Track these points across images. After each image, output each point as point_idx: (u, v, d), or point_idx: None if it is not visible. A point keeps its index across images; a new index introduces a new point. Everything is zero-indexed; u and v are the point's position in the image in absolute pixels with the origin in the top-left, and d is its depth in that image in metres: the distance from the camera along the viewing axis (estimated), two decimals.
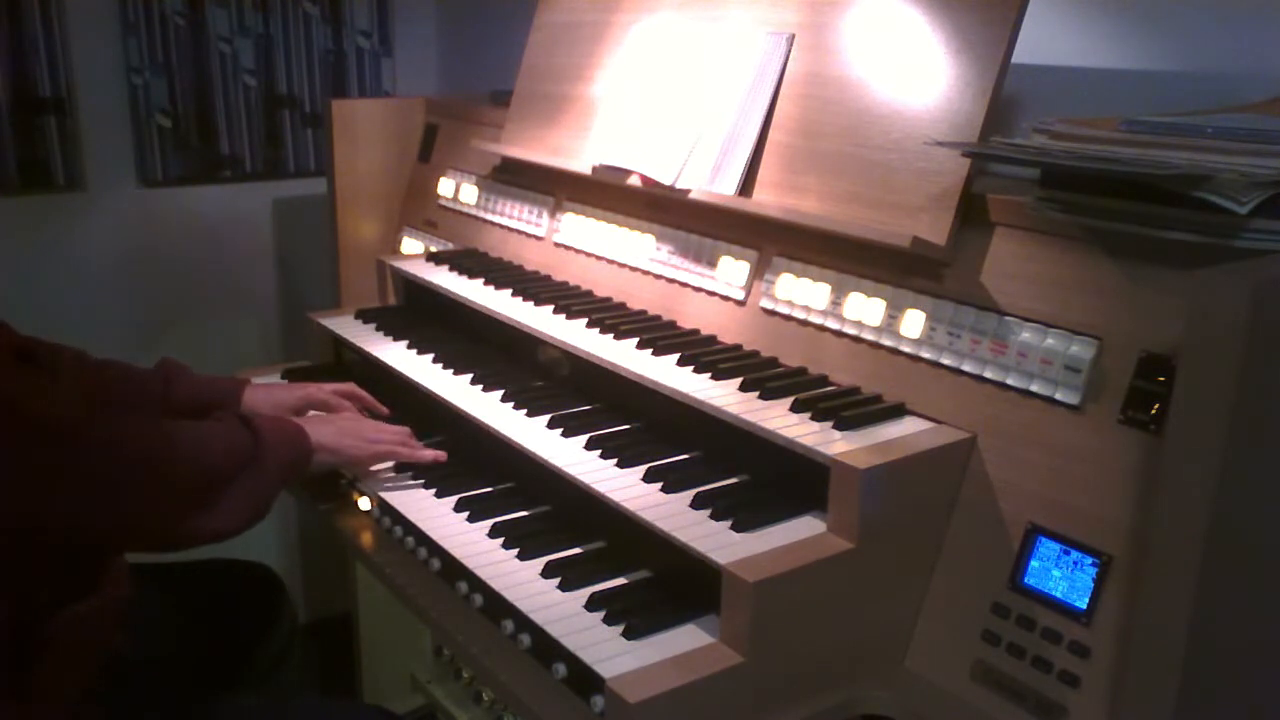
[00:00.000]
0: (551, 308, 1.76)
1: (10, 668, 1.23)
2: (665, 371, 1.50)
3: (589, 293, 1.86)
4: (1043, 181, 1.25)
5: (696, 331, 1.66)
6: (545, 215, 2.04)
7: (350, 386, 1.76)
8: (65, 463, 1.17)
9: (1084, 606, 1.18)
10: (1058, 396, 1.24)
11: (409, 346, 1.87)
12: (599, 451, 1.44)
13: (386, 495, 1.54)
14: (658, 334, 1.62)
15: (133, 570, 1.44)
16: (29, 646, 1.24)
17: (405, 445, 1.59)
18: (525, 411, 1.57)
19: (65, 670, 1.28)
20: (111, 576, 1.38)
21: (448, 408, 1.64)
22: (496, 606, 1.30)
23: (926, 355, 1.37)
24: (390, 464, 1.60)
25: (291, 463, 1.44)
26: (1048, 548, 1.22)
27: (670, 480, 1.36)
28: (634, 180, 1.75)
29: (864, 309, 1.44)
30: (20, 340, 1.28)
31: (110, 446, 1.22)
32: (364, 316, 2.05)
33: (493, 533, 1.44)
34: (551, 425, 1.53)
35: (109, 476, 1.20)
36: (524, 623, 1.26)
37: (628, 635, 1.21)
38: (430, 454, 1.60)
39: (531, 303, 1.80)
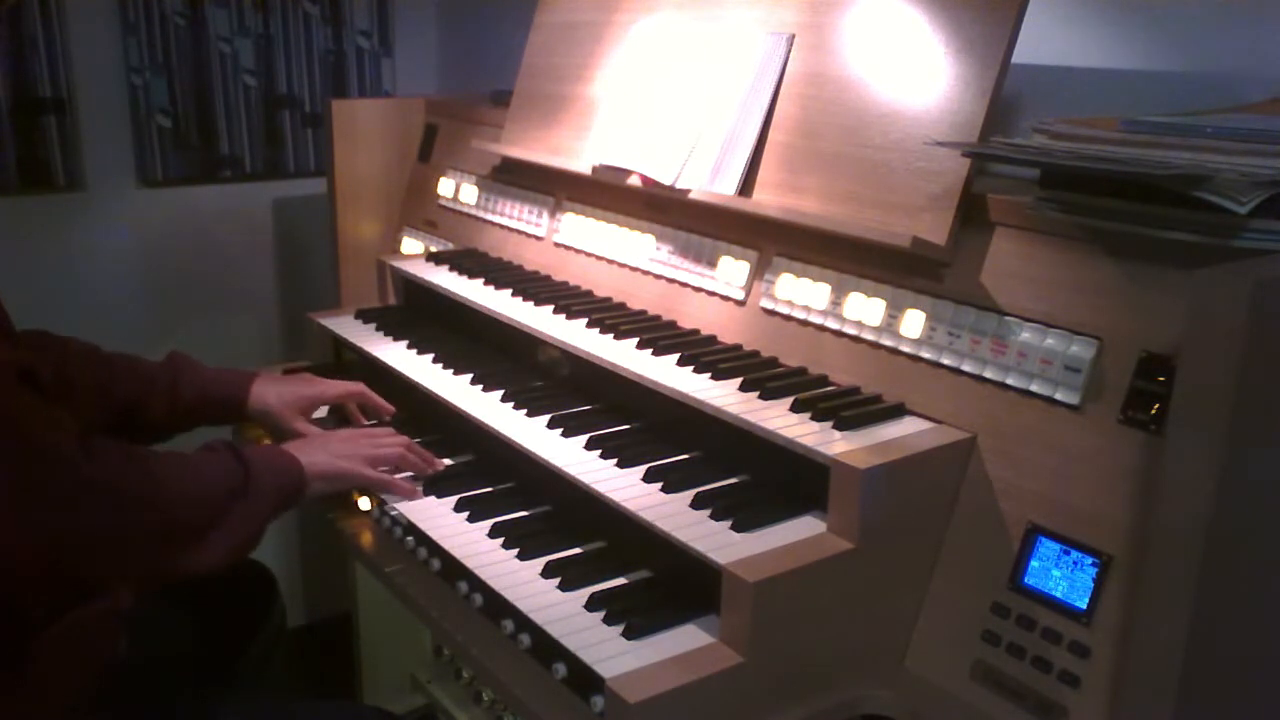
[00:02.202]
0: (551, 308, 1.76)
1: (13, 670, 1.22)
2: (665, 371, 1.50)
3: (589, 293, 1.86)
4: (1043, 181, 1.25)
5: (696, 331, 1.66)
6: (545, 215, 2.04)
7: (359, 387, 1.75)
8: (60, 494, 1.16)
9: (1084, 606, 1.18)
10: (1058, 396, 1.24)
11: (409, 346, 1.87)
12: (599, 451, 1.44)
13: (386, 495, 1.54)
14: (658, 334, 1.62)
15: None
16: (33, 649, 1.24)
17: (405, 482, 1.55)
18: (525, 411, 1.57)
19: (65, 674, 1.27)
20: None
21: (448, 408, 1.64)
22: (496, 606, 1.30)
23: (926, 355, 1.37)
24: (390, 464, 1.59)
25: (284, 496, 1.41)
26: (1048, 548, 1.22)
27: (670, 480, 1.36)
28: (634, 180, 1.75)
29: (864, 309, 1.44)
30: (23, 357, 1.27)
31: (102, 483, 1.20)
32: (364, 316, 2.05)
33: (493, 533, 1.44)
34: (551, 425, 1.53)
35: (99, 513, 1.19)
36: (524, 623, 1.26)
37: (628, 635, 1.21)
38: (429, 469, 1.59)
39: (531, 303, 1.80)
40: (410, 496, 1.53)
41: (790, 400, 1.38)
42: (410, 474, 1.58)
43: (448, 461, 1.65)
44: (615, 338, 1.62)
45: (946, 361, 1.35)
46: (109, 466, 1.23)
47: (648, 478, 1.38)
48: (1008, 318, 1.30)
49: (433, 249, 2.27)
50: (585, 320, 1.69)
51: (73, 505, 1.17)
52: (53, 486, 1.16)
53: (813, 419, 1.34)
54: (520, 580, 1.33)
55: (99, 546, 1.20)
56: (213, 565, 1.29)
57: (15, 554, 1.14)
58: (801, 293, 1.53)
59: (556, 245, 2.00)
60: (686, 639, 1.21)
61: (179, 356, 1.68)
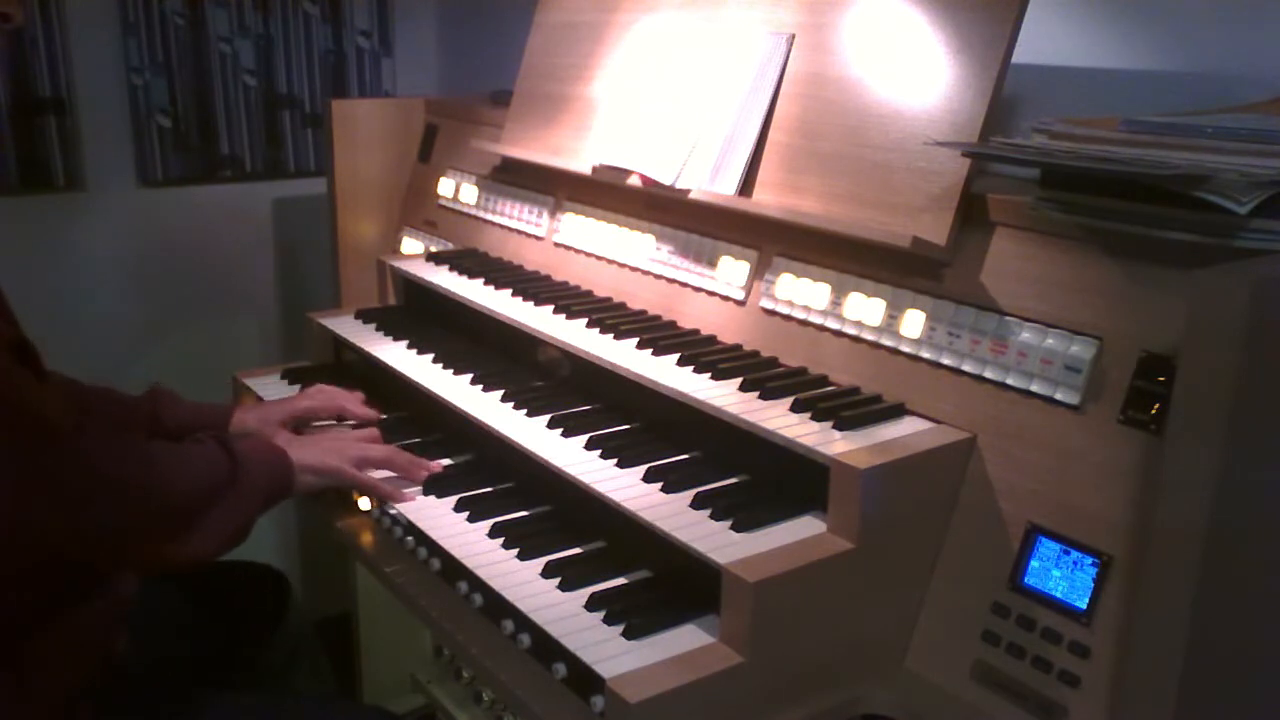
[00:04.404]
0: (551, 308, 1.76)
1: (11, 666, 1.22)
2: (665, 371, 1.50)
3: (589, 293, 1.86)
4: (1043, 181, 1.25)
5: (696, 331, 1.66)
6: (545, 215, 2.04)
7: (319, 388, 1.76)
8: (54, 470, 1.15)
9: (1084, 606, 1.18)
10: (1058, 396, 1.24)
11: (409, 346, 1.87)
12: (599, 451, 1.44)
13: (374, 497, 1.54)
14: (658, 334, 1.62)
15: None
16: (30, 645, 1.24)
17: (387, 484, 1.54)
18: (525, 411, 1.57)
19: (66, 669, 1.28)
20: (118, 578, 1.38)
21: (448, 408, 1.64)
22: (496, 606, 1.30)
23: (926, 355, 1.37)
24: (378, 465, 1.58)
25: (272, 487, 1.41)
26: (1048, 548, 1.22)
27: (670, 480, 1.36)
28: (634, 180, 1.75)
29: (864, 309, 1.44)
30: (19, 337, 1.28)
31: (95, 462, 1.20)
32: (364, 316, 2.05)
33: (493, 533, 1.44)
34: (551, 425, 1.53)
35: (90, 493, 1.18)
36: (524, 623, 1.26)
37: (628, 635, 1.21)
38: (419, 474, 1.57)
39: (531, 303, 1.80)
40: (394, 499, 1.52)
41: (790, 400, 1.38)
42: (397, 476, 1.57)
43: (446, 461, 1.64)
44: (615, 338, 1.62)
45: (946, 361, 1.35)
46: (105, 447, 1.23)
47: (648, 478, 1.38)
48: (1008, 318, 1.30)
49: (433, 249, 2.27)
50: (585, 320, 1.69)
51: (73, 485, 1.17)
52: (53, 465, 1.15)
53: (813, 419, 1.34)
54: (520, 580, 1.33)
55: (94, 529, 1.20)
56: (202, 554, 1.29)
57: (14, 533, 1.14)
58: (801, 293, 1.53)
59: (556, 245, 2.00)
60: (686, 639, 1.21)
61: (159, 389, 1.68)
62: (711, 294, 1.68)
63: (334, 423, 1.76)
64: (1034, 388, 1.26)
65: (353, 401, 1.75)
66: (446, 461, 1.65)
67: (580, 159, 1.89)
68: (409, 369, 1.77)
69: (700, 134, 1.66)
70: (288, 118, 2.77)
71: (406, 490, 1.55)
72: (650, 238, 1.80)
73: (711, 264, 1.68)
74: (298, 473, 1.45)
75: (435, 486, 1.56)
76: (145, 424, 1.62)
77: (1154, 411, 1.15)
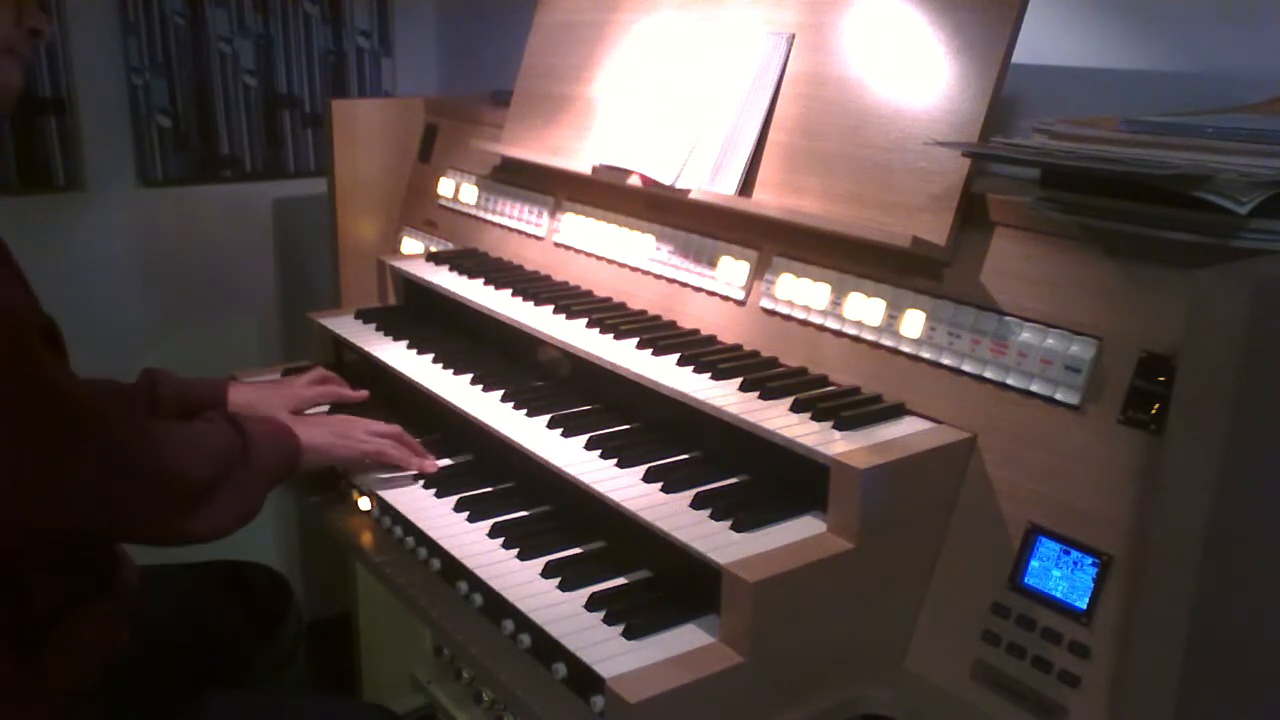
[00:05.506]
0: (551, 308, 1.76)
1: (15, 665, 1.23)
2: (665, 371, 1.50)
3: (589, 293, 1.86)
4: (1043, 181, 1.25)
5: (696, 331, 1.66)
6: (545, 215, 2.04)
7: (320, 372, 1.81)
8: (79, 450, 1.18)
9: (1084, 606, 1.18)
10: (1058, 396, 1.24)
11: (409, 346, 1.87)
12: (599, 451, 1.44)
13: (386, 495, 1.54)
14: (658, 334, 1.62)
15: (141, 571, 1.44)
16: (34, 645, 1.24)
17: (396, 448, 1.59)
18: (525, 411, 1.57)
19: (69, 668, 1.28)
20: (121, 577, 1.38)
21: (447, 408, 1.64)
22: (496, 606, 1.30)
23: (926, 355, 1.37)
24: (381, 459, 1.60)
25: (280, 464, 1.44)
26: (1048, 548, 1.22)
27: (670, 480, 1.36)
28: (634, 180, 1.75)
29: (864, 309, 1.44)
30: (47, 320, 1.30)
31: (117, 444, 1.22)
32: (364, 316, 2.05)
33: (493, 533, 1.44)
34: (551, 425, 1.53)
35: (113, 471, 1.21)
36: (524, 623, 1.26)
37: (628, 635, 1.21)
38: (421, 461, 1.60)
39: (531, 303, 1.80)
40: (405, 465, 1.57)
41: (790, 400, 1.38)
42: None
43: (446, 461, 1.65)
44: (615, 338, 1.62)
45: (946, 361, 1.35)
46: (124, 429, 1.25)
47: (648, 478, 1.38)
48: (1008, 318, 1.30)
49: (433, 249, 2.27)
50: (585, 320, 1.69)
51: (96, 465, 1.19)
52: (78, 446, 1.18)
53: (813, 419, 1.34)
54: (520, 580, 1.33)
55: (112, 506, 1.22)
56: (213, 530, 1.31)
57: (37, 509, 1.17)
58: (801, 293, 1.53)
59: (556, 245, 2.00)
60: (686, 639, 1.21)
61: (153, 369, 1.70)
62: (711, 294, 1.68)
63: (326, 409, 1.78)
64: (1034, 388, 1.26)
65: (345, 390, 1.79)
66: (446, 461, 1.65)
67: (580, 159, 1.89)
68: (409, 369, 1.77)
69: (700, 134, 1.66)
70: (288, 118, 2.77)
71: (403, 482, 1.58)
72: (650, 238, 1.80)
73: (711, 264, 1.68)
74: (305, 452, 1.48)
75: (435, 486, 1.57)
76: (145, 405, 1.63)
77: (1154, 411, 1.15)
